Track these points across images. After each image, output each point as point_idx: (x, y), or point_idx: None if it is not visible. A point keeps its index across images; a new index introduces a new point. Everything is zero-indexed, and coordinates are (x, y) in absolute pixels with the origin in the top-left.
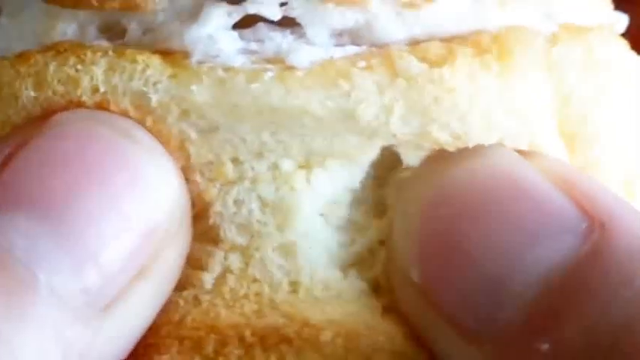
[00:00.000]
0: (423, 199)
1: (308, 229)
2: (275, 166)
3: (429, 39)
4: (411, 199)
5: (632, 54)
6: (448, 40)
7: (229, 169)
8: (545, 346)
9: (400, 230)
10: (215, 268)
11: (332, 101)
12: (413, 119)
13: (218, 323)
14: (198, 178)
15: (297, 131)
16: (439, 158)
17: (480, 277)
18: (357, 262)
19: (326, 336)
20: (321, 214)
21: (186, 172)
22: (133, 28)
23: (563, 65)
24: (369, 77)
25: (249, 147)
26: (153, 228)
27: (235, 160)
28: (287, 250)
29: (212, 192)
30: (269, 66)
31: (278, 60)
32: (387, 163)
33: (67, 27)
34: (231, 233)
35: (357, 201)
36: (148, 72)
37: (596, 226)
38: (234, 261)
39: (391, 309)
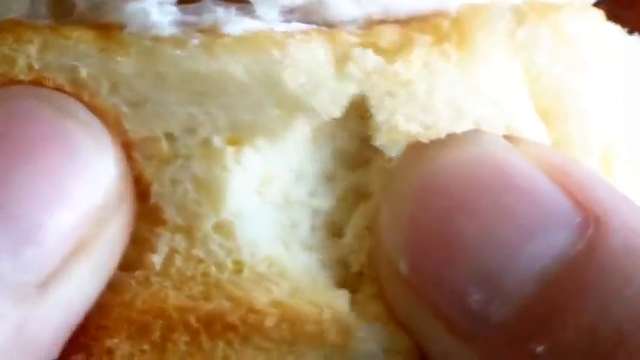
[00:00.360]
0: (411, 189)
1: (243, 208)
2: (206, 143)
3: (385, 19)
4: (398, 189)
5: (609, 25)
6: (406, 21)
7: (164, 146)
8: (540, 348)
9: (387, 220)
10: (162, 249)
11: (258, 66)
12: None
13: (166, 306)
14: (137, 155)
15: (222, 101)
16: (424, 147)
17: (472, 272)
18: (305, 241)
19: (271, 321)
20: (258, 192)
21: (127, 148)
22: (80, 4)
23: (530, 46)
24: (306, 49)
25: (179, 120)
26: (91, 204)
27: (169, 136)
28: (225, 230)
29: (150, 170)
30: (197, 34)
31: (212, 30)
32: (358, 148)
33: (18, 4)
34: (171, 213)
35: (304, 180)
36: (80, 47)
37: (590, 220)
38: (180, 242)
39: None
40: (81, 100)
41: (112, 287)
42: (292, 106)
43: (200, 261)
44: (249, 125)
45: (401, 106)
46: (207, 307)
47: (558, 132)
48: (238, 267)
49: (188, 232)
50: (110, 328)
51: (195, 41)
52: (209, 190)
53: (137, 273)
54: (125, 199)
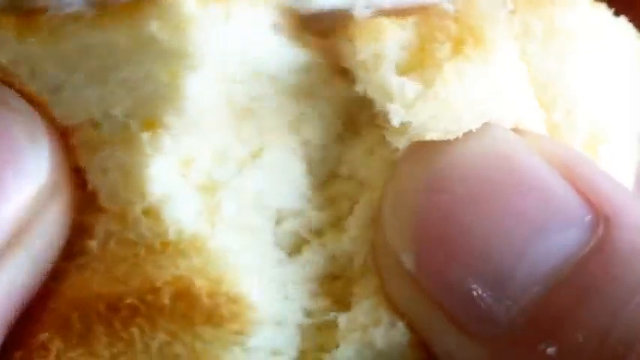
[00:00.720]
0: (418, 182)
1: (168, 192)
2: (125, 128)
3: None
4: (404, 182)
5: (599, 12)
6: (390, 12)
7: (91, 133)
8: (551, 350)
9: (392, 214)
10: (99, 234)
11: (137, 30)
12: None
13: (89, 295)
14: (73, 141)
15: (120, 76)
16: (432, 141)
17: (481, 270)
18: (231, 220)
19: (165, 298)
20: (181, 175)
21: (63, 136)
22: None
23: (521, 35)
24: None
25: (93, 104)
26: (25, 195)
27: (93, 123)
28: (153, 213)
29: (84, 158)
30: (92, 9)
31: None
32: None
33: None
34: (106, 199)
35: (228, 160)
36: (1, 33)
37: (600, 218)
38: (114, 226)
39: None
40: (12, 87)
41: (55, 277)
42: (175, 66)
43: (132, 244)
44: (152, 99)
45: (428, 110)
46: (120, 289)
47: (546, 119)
48: (164, 248)
49: (122, 216)
50: (44, 322)
51: (89, 14)
52: (132, 177)
53: (77, 260)
54: (61, 188)
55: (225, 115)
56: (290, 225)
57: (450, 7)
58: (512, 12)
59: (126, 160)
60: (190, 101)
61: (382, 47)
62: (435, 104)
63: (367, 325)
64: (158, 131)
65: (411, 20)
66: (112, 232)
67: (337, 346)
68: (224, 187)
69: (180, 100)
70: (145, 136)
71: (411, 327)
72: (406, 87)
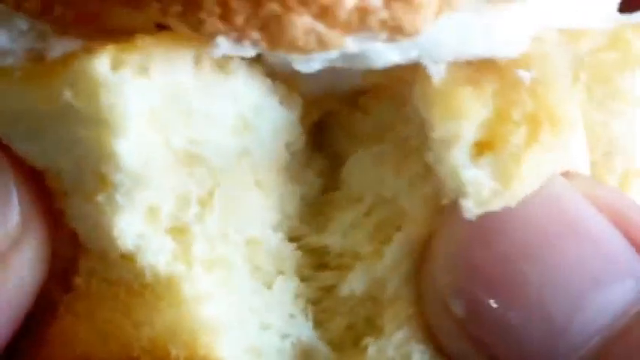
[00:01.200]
0: (472, 228)
1: (139, 241)
2: (82, 183)
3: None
4: (457, 227)
5: None
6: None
7: (56, 181)
8: None
9: (443, 258)
10: (83, 271)
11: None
12: None
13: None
14: (50, 183)
15: (50, 137)
16: None
17: (536, 321)
18: (203, 258)
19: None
20: (147, 223)
21: (37, 177)
22: None
23: (587, 102)
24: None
25: (41, 159)
26: None
27: (57, 170)
28: (129, 258)
29: (58, 201)
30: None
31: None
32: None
33: None
34: (84, 241)
35: (191, 203)
36: None
37: None
38: (96, 264)
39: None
40: None
41: (46, 318)
42: (98, 130)
43: (113, 283)
44: (89, 159)
45: (501, 203)
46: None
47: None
48: (142, 290)
49: (102, 257)
50: None
51: (17, 73)
52: (102, 230)
53: (66, 297)
54: (31, 230)
55: (170, 162)
56: (259, 253)
57: (525, 76)
58: (576, 79)
59: (91, 213)
60: (127, 158)
61: (460, 127)
62: (508, 199)
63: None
64: (110, 191)
65: (489, 90)
66: (94, 270)
67: None
68: (192, 228)
69: (116, 160)
70: (101, 197)
71: None
72: (482, 185)
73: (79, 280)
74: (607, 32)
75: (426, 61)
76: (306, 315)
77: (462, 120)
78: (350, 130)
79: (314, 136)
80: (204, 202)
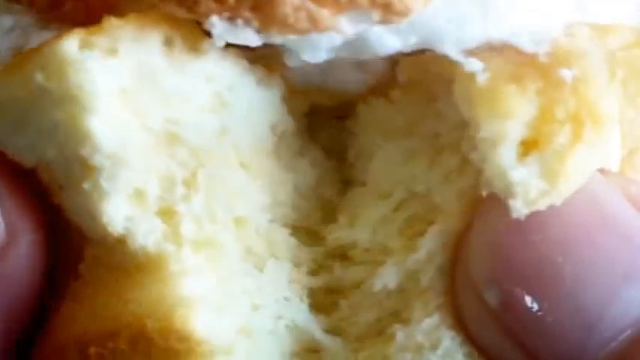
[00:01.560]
0: (511, 222)
1: (129, 224)
2: (69, 173)
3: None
4: (494, 220)
5: None
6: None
7: (47, 176)
8: None
9: (479, 250)
10: (88, 258)
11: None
12: None
13: (67, 336)
14: (44, 179)
15: (33, 126)
16: None
17: (569, 313)
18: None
19: (123, 344)
20: (138, 206)
21: (32, 172)
22: None
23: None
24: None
25: (27, 153)
26: None
27: (47, 163)
28: (123, 242)
29: (57, 195)
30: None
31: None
32: None
33: None
34: (84, 229)
35: (176, 185)
36: None
37: None
38: (99, 251)
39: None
40: None
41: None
42: (72, 110)
43: (114, 269)
44: (69, 144)
45: (548, 202)
46: (85, 335)
47: None
48: (135, 271)
49: (101, 244)
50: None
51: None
52: (93, 217)
53: (73, 285)
54: (22, 230)
55: (149, 143)
56: (249, 234)
57: (567, 75)
58: (612, 75)
59: (82, 202)
60: (103, 138)
61: (507, 126)
62: (555, 198)
63: (423, 346)
64: (95, 177)
65: (532, 88)
66: (97, 257)
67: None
68: (179, 209)
69: (92, 140)
70: (87, 184)
71: (485, 356)
72: (530, 185)
73: (83, 268)
74: (635, 29)
75: (456, 56)
76: (302, 299)
77: (509, 119)
78: (377, 124)
79: (315, 127)
80: (188, 183)
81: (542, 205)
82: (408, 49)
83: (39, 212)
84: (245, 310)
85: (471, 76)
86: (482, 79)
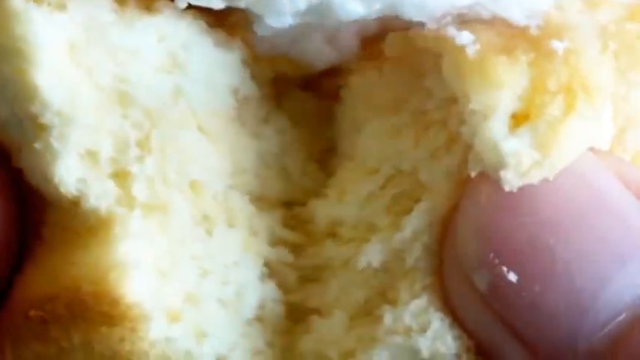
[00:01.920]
0: (500, 202)
1: (81, 185)
2: (24, 132)
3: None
4: (484, 201)
5: None
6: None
7: (8, 137)
8: None
9: (467, 232)
10: (50, 222)
11: None
12: None
13: (20, 300)
14: (4, 142)
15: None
16: None
17: (562, 296)
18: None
19: (60, 308)
20: (90, 168)
21: None
22: None
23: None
24: None
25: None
26: None
27: (2, 124)
28: (77, 203)
29: (17, 159)
30: None
31: None
32: None
33: None
34: (42, 191)
35: (130, 147)
36: None
37: None
38: (56, 215)
39: None
40: None
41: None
42: (17, 63)
43: (68, 230)
44: (18, 100)
45: (540, 174)
46: (29, 298)
47: None
48: (85, 233)
49: (58, 206)
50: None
51: None
52: (48, 179)
53: (36, 247)
54: None
55: (100, 102)
56: (205, 199)
57: (559, 46)
58: (604, 47)
59: (36, 163)
60: (50, 93)
61: (497, 97)
62: (548, 169)
63: (411, 329)
64: (45, 136)
65: (523, 60)
66: (55, 219)
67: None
68: (131, 171)
69: (40, 96)
70: (39, 144)
71: (473, 338)
72: (522, 155)
73: (45, 231)
74: (624, 4)
75: (450, 29)
76: (257, 267)
77: (499, 89)
78: (365, 98)
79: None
80: (142, 145)
81: (534, 178)
82: (372, 15)
83: (2, 177)
84: (193, 277)
85: (461, 48)
86: (472, 51)
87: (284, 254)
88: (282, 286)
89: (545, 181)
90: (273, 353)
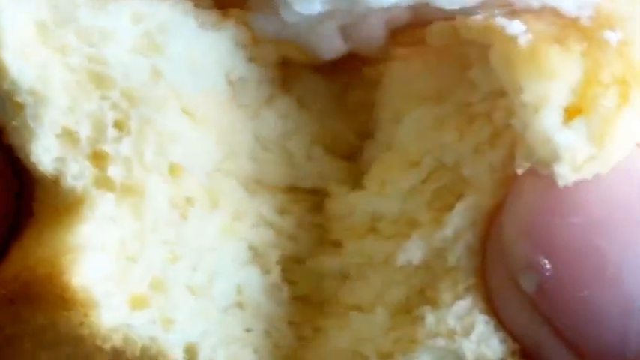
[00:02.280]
0: (549, 202)
1: (59, 165)
2: (4, 110)
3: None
4: (532, 201)
5: None
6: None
7: None
8: None
9: (514, 229)
10: (38, 198)
11: None
12: None
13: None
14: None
15: None
16: None
17: (611, 299)
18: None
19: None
20: (69, 149)
21: None
22: None
23: None
24: None
25: None
26: None
27: None
28: (56, 182)
29: (7, 136)
30: None
31: None
32: None
33: None
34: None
35: (107, 128)
36: None
37: None
38: (42, 193)
39: None
40: None
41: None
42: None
43: (51, 208)
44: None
45: (595, 168)
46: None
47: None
48: (61, 212)
49: (43, 183)
50: None
51: None
52: (29, 158)
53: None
54: None
55: (77, 82)
56: (186, 183)
57: (612, 37)
58: None
59: (17, 141)
60: (20, 72)
61: (551, 87)
62: (602, 164)
63: (455, 332)
64: (22, 115)
65: (576, 50)
66: (42, 196)
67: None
68: (109, 151)
69: (10, 74)
70: (17, 122)
71: (514, 337)
72: (577, 149)
73: (35, 207)
74: None
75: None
76: (238, 253)
77: (553, 79)
78: (406, 87)
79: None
80: (121, 126)
81: (588, 172)
82: (403, 3)
83: None
84: (161, 262)
85: (512, 38)
86: (523, 41)
87: (270, 238)
88: (266, 270)
89: (596, 178)
90: (255, 337)
